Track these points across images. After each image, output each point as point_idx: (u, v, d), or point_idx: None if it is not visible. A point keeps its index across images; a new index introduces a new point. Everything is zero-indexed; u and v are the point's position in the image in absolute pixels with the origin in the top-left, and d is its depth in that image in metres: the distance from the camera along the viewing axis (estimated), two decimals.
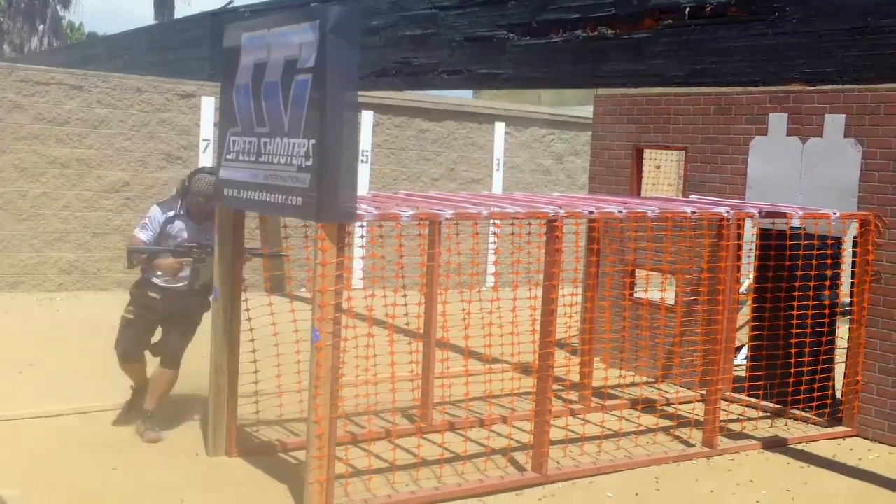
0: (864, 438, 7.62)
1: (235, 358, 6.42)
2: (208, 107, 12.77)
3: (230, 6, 6.35)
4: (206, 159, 12.60)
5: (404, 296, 6.70)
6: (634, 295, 9.24)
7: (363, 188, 13.78)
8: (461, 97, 17.37)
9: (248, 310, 6.48)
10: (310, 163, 5.02)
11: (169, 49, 10.05)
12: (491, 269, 12.75)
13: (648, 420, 7.62)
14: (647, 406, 7.68)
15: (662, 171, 13.20)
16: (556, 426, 6.98)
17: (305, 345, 5.33)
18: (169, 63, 9.37)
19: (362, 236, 7.31)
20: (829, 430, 7.73)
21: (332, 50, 4.80)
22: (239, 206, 6.08)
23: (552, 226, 6.22)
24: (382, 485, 5.96)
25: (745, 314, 8.81)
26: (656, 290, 9.02)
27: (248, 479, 6.09)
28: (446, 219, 5.89)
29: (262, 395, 6.95)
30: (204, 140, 12.84)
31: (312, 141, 4.97)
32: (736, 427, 7.61)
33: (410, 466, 6.23)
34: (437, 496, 5.85)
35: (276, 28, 5.38)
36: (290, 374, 6.77)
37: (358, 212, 5.25)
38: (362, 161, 13.99)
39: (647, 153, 10.97)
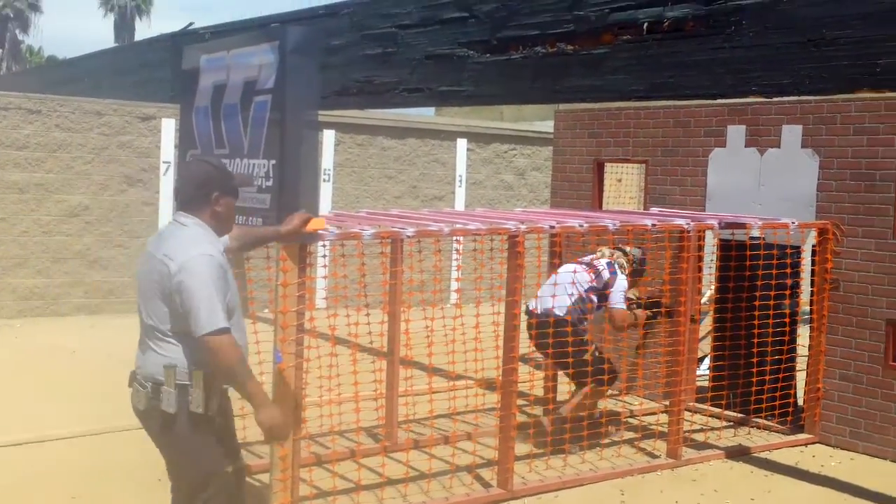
0: (827, 445, 7.68)
1: None
2: (169, 129, 12.70)
3: (191, 28, 6.31)
4: (167, 182, 12.52)
5: (367, 315, 6.67)
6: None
7: (325, 207, 13.74)
8: (423, 115, 17.40)
9: None
10: (270, 183, 4.99)
11: (129, 72, 9.95)
12: (454, 285, 12.77)
13: (614, 433, 7.63)
14: (612, 419, 7.69)
15: (624, 184, 13.29)
16: (520, 441, 6.97)
17: (268, 366, 5.29)
18: (129, 86, 9.30)
19: (324, 255, 7.28)
20: (792, 437, 7.78)
21: (292, 70, 4.78)
22: None
23: (514, 241, 6.23)
24: None
25: (707, 324, 8.86)
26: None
27: None
28: (408, 237, 5.88)
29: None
30: (164, 162, 12.76)
31: (272, 161, 4.95)
32: (700, 437, 7.64)
33: (375, 486, 6.20)
34: None
35: (236, 49, 5.36)
36: None
37: (319, 231, 5.22)
38: (324, 180, 13.97)
39: (609, 167, 11.04)
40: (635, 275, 7.65)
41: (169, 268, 3.96)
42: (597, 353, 7.35)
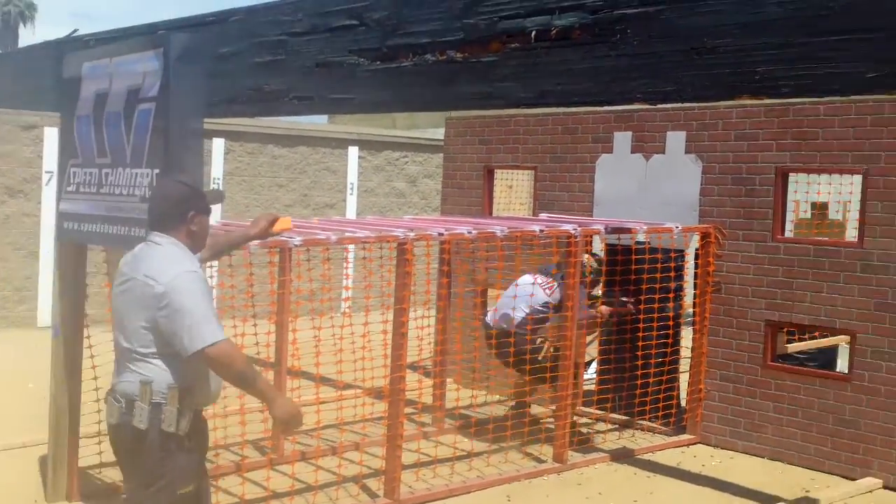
0: (708, 445, 7.85)
1: (77, 397, 6.16)
2: (52, 138, 12.30)
3: (75, 35, 6.13)
4: (49, 192, 12.15)
5: (255, 325, 6.58)
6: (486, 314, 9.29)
7: (215, 217, 13.47)
8: (314, 122, 17.28)
9: (90, 346, 6.23)
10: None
11: (12, 79, 9.60)
12: (344, 294, 12.68)
13: (500, 439, 7.67)
14: (498, 425, 7.73)
15: (514, 190, 13.38)
16: (408, 450, 6.96)
17: None
18: (12, 94, 8.99)
19: (211, 266, 7.14)
20: (675, 438, 7.94)
21: (177, 78, 4.68)
22: (81, 240, 5.86)
23: (402, 249, 6.22)
24: None
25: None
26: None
27: None
28: (295, 246, 5.82)
29: (104, 435, 6.71)
30: (47, 172, 12.37)
31: (156, 171, 4.84)
32: (586, 440, 7.74)
33: (261, 500, 6.11)
34: None
35: (119, 57, 5.22)
36: None
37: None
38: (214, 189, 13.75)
39: (500, 173, 11.10)
40: (593, 284, 7.92)
41: (154, 289, 3.91)
42: (550, 355, 7.56)
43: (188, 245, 4.13)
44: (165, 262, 3.99)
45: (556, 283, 7.56)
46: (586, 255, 7.78)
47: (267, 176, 14.36)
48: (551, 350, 7.52)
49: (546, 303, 7.49)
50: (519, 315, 7.45)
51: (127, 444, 4.03)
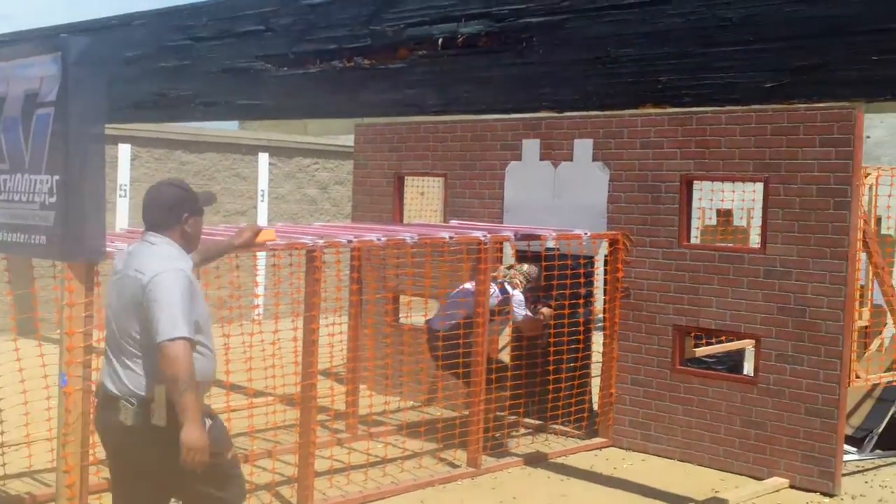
0: (620, 448, 7.94)
1: None
2: None
3: None
4: None
5: None
6: (397, 321, 9.30)
7: (122, 223, 13.26)
8: (224, 129, 17.06)
9: None
10: (53, 200, 4.77)
11: None
12: (255, 301, 12.55)
13: (414, 445, 7.66)
14: (412, 430, 7.73)
15: (426, 197, 13.39)
16: (321, 457, 6.92)
17: (55, 390, 5.05)
18: None
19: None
20: (587, 441, 8.02)
21: (76, 83, 4.58)
22: None
23: (311, 256, 6.18)
24: None
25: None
26: (419, 314, 9.11)
27: None
28: None
29: (9, 446, 6.54)
30: None
31: (56, 177, 4.73)
32: (499, 445, 7.76)
33: None
34: None
35: (16, 60, 5.09)
36: (41, 421, 6.40)
37: (108, 249, 5.02)
38: (121, 196, 13.48)
39: (412, 180, 11.10)
40: (532, 290, 7.93)
41: (141, 281, 4.17)
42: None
43: (182, 245, 4.41)
44: (156, 258, 4.25)
45: (493, 291, 7.58)
46: (526, 265, 7.87)
47: None
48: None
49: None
50: (456, 316, 7.42)
51: (150, 444, 4.19)
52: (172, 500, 4.59)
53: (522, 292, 7.70)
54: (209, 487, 4.35)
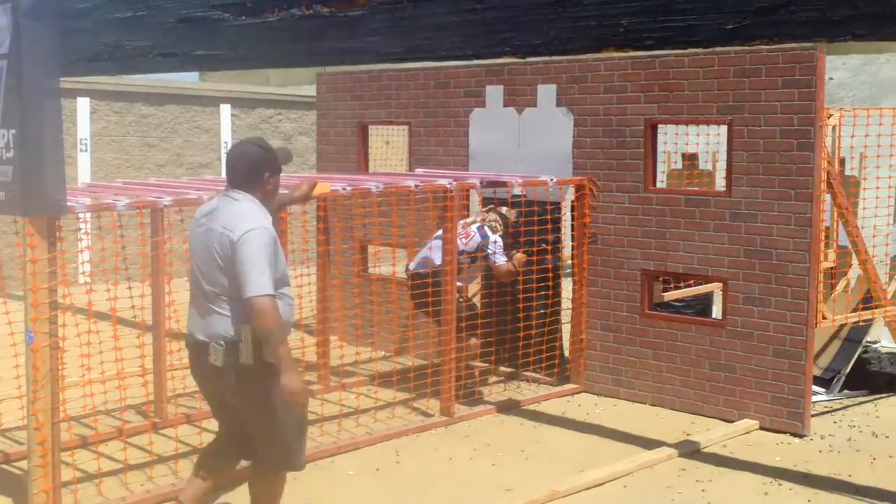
0: (591, 393, 8.00)
1: None
2: None
3: None
4: None
5: (129, 288, 6.42)
6: (366, 271, 9.29)
7: (84, 178, 13.14)
8: (184, 80, 16.86)
9: None
10: (11, 154, 4.70)
11: None
12: None
13: (387, 395, 7.69)
14: (384, 380, 7.75)
15: (392, 146, 13.31)
16: None
17: (23, 348, 5.02)
18: None
19: (78, 229, 6.95)
20: (559, 388, 8.07)
21: (27, 34, 4.50)
22: None
23: None
24: (116, 486, 5.73)
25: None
26: (387, 264, 9.11)
27: None
28: (165, 206, 5.69)
29: None
30: None
31: (13, 131, 4.66)
32: (472, 394, 7.80)
33: (145, 465, 6.03)
34: (174, 492, 5.64)
35: None
36: (9, 379, 6.37)
37: (69, 204, 4.97)
38: (81, 150, 13.34)
39: (377, 129, 11.02)
40: (514, 235, 7.91)
41: (231, 237, 4.45)
42: (464, 305, 7.65)
43: (261, 201, 4.67)
44: (242, 216, 4.52)
45: (473, 233, 7.57)
46: (505, 208, 7.83)
47: (136, 135, 13.99)
48: (464, 304, 7.62)
49: (462, 251, 7.47)
50: (436, 258, 7.41)
51: (235, 381, 4.55)
52: None
53: (501, 237, 7.69)
54: (284, 426, 4.66)
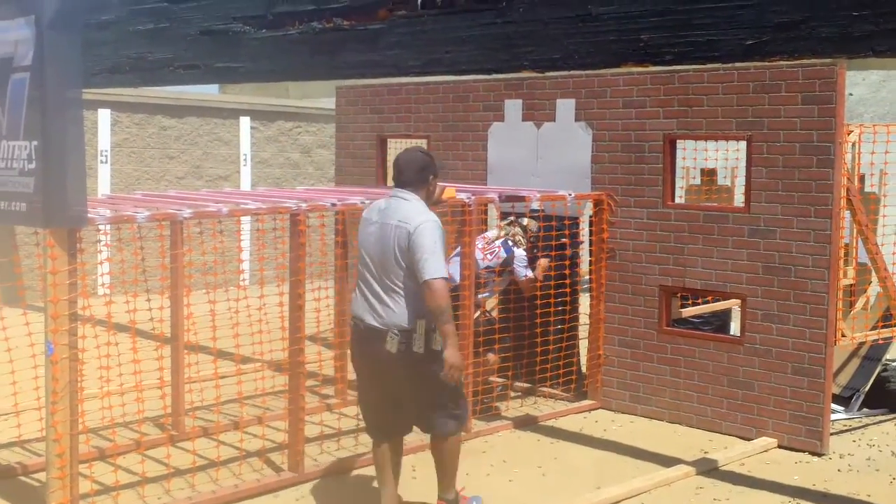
0: (609, 410, 7.97)
1: None
2: None
3: None
4: None
5: (148, 300, 6.45)
6: None
7: (104, 189, 13.21)
8: (204, 92, 16.94)
9: None
10: (33, 166, 4.73)
11: None
12: (238, 267, 12.53)
13: None
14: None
15: None
16: (311, 423, 6.92)
17: (42, 359, 5.04)
18: None
19: (98, 241, 6.99)
20: (577, 404, 8.04)
21: (51, 46, 4.54)
22: None
23: (295, 220, 6.15)
24: (133, 499, 5.74)
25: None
26: None
27: None
28: (185, 218, 5.71)
29: None
30: None
31: (35, 143, 4.69)
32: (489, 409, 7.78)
33: (162, 477, 6.03)
34: None
35: None
36: (28, 390, 6.39)
37: (90, 215, 4.99)
38: (101, 162, 13.41)
39: (396, 142, 11.04)
40: (533, 247, 7.91)
41: (408, 229, 5.14)
42: (482, 320, 7.74)
43: (424, 200, 5.38)
44: (414, 211, 5.24)
45: (496, 249, 7.58)
46: (526, 219, 7.82)
47: (157, 147, 14.06)
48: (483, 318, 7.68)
49: (486, 267, 7.49)
50: (456, 274, 7.35)
51: (406, 366, 5.21)
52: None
53: (525, 250, 7.68)
54: (447, 400, 5.37)
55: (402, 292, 5.19)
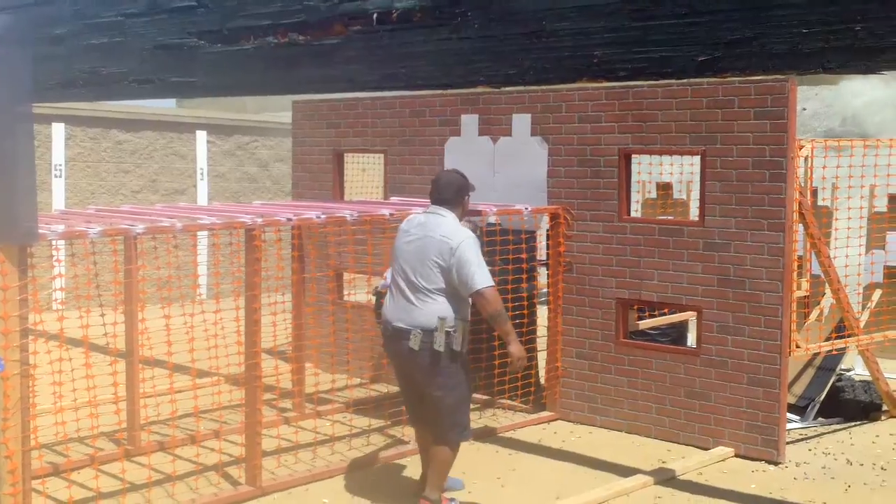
0: (567, 421, 8.00)
1: None
2: None
3: None
4: None
5: (102, 315, 6.39)
6: (341, 298, 9.26)
7: (59, 203, 13.07)
8: (161, 106, 16.82)
9: None
10: None
11: None
12: (194, 281, 12.45)
13: (363, 422, 7.66)
14: (360, 407, 7.72)
15: (368, 174, 13.32)
16: (269, 436, 6.89)
17: None
18: None
19: (51, 256, 6.91)
20: (535, 415, 8.07)
21: (1, 61, 4.49)
22: None
23: (251, 235, 6.13)
24: None
25: None
26: (362, 291, 9.09)
27: None
28: (138, 234, 5.67)
29: None
30: None
31: None
32: None
33: (117, 492, 5.97)
34: None
35: None
36: None
37: (42, 231, 4.94)
38: (56, 176, 13.27)
39: (353, 157, 11.03)
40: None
41: (450, 244, 5.70)
42: None
43: (459, 217, 5.97)
44: (454, 228, 5.82)
45: None
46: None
47: (112, 161, 13.94)
48: None
49: None
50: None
51: (426, 363, 5.70)
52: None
53: None
54: (454, 407, 5.81)
55: (430, 297, 5.70)
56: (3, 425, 4.86)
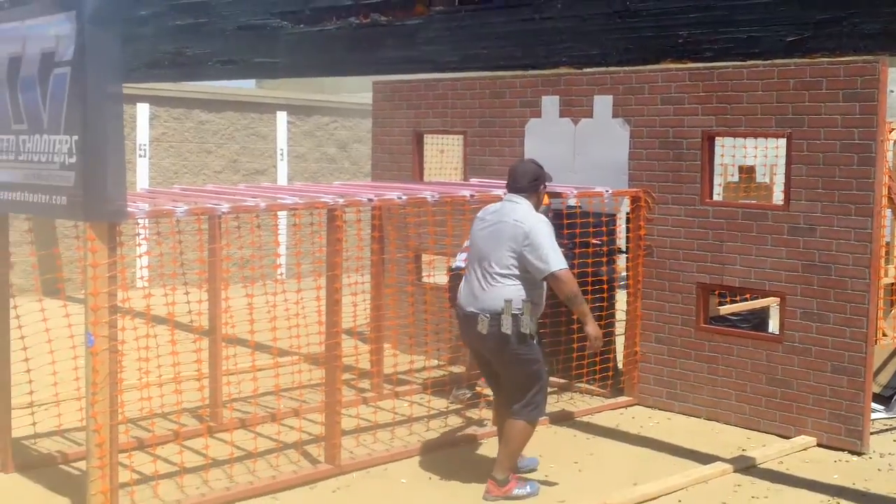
0: (645, 406, 7.94)
1: (6, 368, 6.07)
2: None
3: None
4: None
5: (186, 293, 6.50)
6: (420, 279, 9.30)
7: (143, 183, 13.32)
8: (241, 87, 17.03)
9: (17, 317, 6.13)
10: (73, 160, 4.78)
11: None
12: (275, 261, 12.61)
13: (440, 404, 7.69)
14: (438, 389, 7.75)
15: (446, 155, 13.34)
16: (348, 416, 6.96)
17: (82, 350, 5.09)
18: None
19: (136, 234, 7.05)
20: (613, 400, 8.02)
21: (92, 41, 4.58)
22: (1, 209, 5.73)
23: (332, 215, 6.17)
24: (171, 489, 5.78)
25: None
26: (441, 273, 9.11)
27: (27, 495, 5.80)
28: (223, 213, 5.74)
29: (38, 405, 6.61)
30: None
31: (75, 137, 4.74)
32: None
33: (200, 468, 6.08)
34: (228, 496, 5.73)
35: (31, 19, 5.08)
36: (69, 381, 6.46)
37: (129, 209, 5.04)
38: (140, 155, 13.52)
39: (432, 138, 11.05)
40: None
41: (523, 228, 5.77)
42: None
43: (534, 205, 6.01)
44: (528, 213, 5.90)
45: None
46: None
47: (194, 142, 14.16)
48: None
49: None
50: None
51: (495, 346, 5.81)
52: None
53: None
54: (528, 386, 5.86)
55: (499, 281, 5.77)
56: (92, 399, 4.97)
